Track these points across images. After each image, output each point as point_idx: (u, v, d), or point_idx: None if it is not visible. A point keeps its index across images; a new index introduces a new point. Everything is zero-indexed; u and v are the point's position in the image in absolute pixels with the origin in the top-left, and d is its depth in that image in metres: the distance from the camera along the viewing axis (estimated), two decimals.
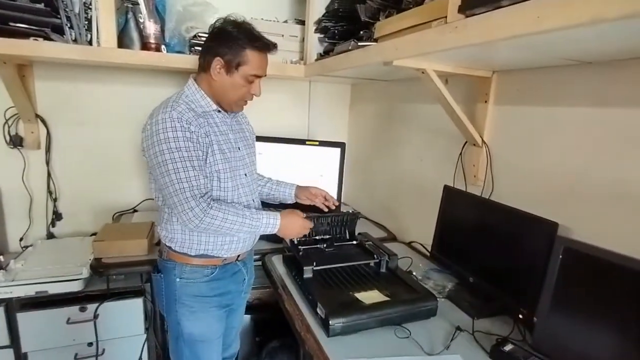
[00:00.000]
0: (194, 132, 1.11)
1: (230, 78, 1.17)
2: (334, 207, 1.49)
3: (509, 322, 1.16)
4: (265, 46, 1.18)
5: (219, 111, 1.23)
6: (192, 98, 1.19)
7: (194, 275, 1.22)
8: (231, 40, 1.14)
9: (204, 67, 1.19)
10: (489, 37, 0.78)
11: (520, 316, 1.11)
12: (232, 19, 1.19)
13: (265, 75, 1.24)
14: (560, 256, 0.96)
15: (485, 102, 1.38)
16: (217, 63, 1.16)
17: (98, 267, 1.52)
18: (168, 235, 1.22)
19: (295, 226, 1.27)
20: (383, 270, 1.38)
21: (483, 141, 1.39)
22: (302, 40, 1.92)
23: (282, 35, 1.89)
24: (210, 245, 1.21)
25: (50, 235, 1.96)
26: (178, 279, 1.21)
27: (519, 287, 1.14)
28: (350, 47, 1.38)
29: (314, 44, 1.82)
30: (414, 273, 1.45)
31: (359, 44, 1.32)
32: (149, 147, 1.11)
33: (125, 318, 1.63)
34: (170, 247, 1.23)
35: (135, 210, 2.08)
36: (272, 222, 1.20)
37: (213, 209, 1.10)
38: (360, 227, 1.79)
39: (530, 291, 1.09)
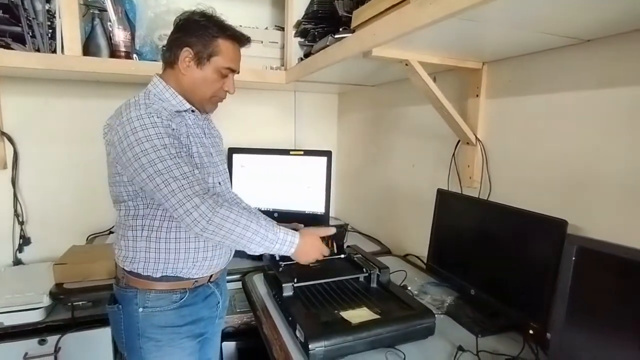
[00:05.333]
0: (175, 129, 0.99)
1: (201, 71, 1.06)
2: None
3: (518, 340, 1.01)
4: (239, 36, 1.10)
5: (193, 111, 1.11)
6: (161, 97, 1.06)
7: (159, 303, 1.05)
8: (201, 30, 1.04)
9: (171, 61, 1.08)
10: (472, 1, 0.67)
11: (531, 332, 0.96)
12: (200, 10, 1.08)
13: (239, 72, 1.14)
14: (574, 258, 0.82)
15: (477, 96, 1.27)
16: (186, 54, 1.04)
17: (59, 294, 1.38)
18: (128, 255, 1.05)
19: (314, 250, 1.10)
20: (374, 285, 1.24)
21: (477, 138, 1.28)
22: (283, 47, 1.85)
23: (262, 42, 1.82)
24: (180, 263, 1.05)
25: (18, 262, 1.81)
26: (141, 309, 1.04)
27: (527, 298, 1.00)
28: (327, 43, 1.28)
29: (295, 49, 1.74)
30: (409, 288, 1.30)
31: (336, 36, 1.23)
32: (124, 149, 0.94)
33: (92, 350, 1.45)
34: (130, 272, 1.06)
35: (112, 232, 1.94)
36: (290, 240, 1.03)
37: (223, 207, 0.93)
38: (352, 241, 1.66)
39: (540, 302, 0.95)
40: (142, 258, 1.05)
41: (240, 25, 1.77)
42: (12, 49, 1.40)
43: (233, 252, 1.22)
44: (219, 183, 1.15)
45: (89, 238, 1.90)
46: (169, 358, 1.08)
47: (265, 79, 1.76)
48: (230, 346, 1.67)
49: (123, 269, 1.08)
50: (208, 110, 1.16)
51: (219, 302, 1.20)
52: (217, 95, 1.12)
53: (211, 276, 1.15)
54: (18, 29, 1.41)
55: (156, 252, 1.04)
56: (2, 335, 1.36)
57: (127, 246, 1.06)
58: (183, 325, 1.09)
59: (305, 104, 2.32)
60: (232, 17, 1.81)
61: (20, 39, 1.42)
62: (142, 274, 1.05)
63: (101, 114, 1.92)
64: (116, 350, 1.49)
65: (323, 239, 1.16)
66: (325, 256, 1.14)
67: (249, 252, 1.02)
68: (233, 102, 2.11)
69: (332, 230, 1.20)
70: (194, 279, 1.10)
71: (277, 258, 1.34)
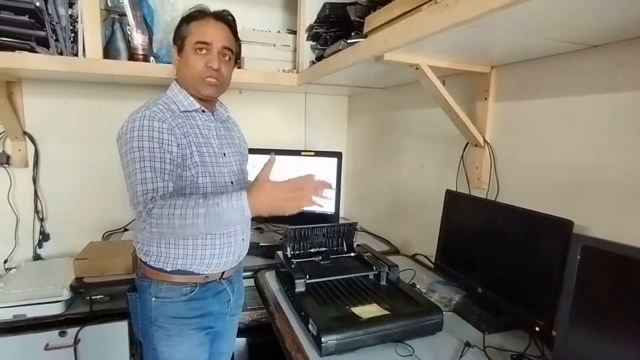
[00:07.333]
0: (166, 130, 1.03)
1: (183, 58, 1.13)
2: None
3: (524, 337, 1.04)
4: (204, 12, 1.13)
5: (204, 111, 1.17)
6: (174, 99, 1.14)
7: (170, 294, 1.10)
8: (178, 25, 1.16)
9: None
10: (480, 10, 0.71)
11: (537, 329, 0.98)
12: None
13: (232, 50, 1.16)
14: (579, 257, 0.85)
15: (486, 99, 1.30)
16: (172, 52, 1.17)
17: (79, 287, 1.44)
18: (143, 248, 1.12)
19: (269, 196, 0.95)
20: (383, 282, 1.27)
21: (485, 141, 1.31)
22: (295, 50, 1.89)
23: (274, 45, 1.86)
24: (188, 259, 1.10)
25: (37, 257, 1.88)
26: (154, 299, 1.10)
27: (533, 296, 1.02)
28: (340, 47, 1.32)
29: (306, 52, 1.77)
30: (418, 286, 1.33)
31: (348, 41, 1.26)
32: (119, 148, 1.05)
33: (109, 343, 1.51)
34: (145, 263, 1.12)
35: (126, 229, 2.00)
36: (237, 204, 0.93)
37: (155, 207, 0.94)
38: (361, 241, 1.69)
39: (546, 300, 0.97)
40: (155, 252, 1.10)
41: (254, 29, 1.84)
42: (36, 52, 1.46)
43: (245, 252, 1.26)
44: (231, 182, 1.19)
45: (105, 235, 1.96)
46: (178, 347, 1.13)
47: (277, 81, 1.80)
48: (241, 342, 1.72)
49: (140, 259, 1.15)
50: (206, 94, 1.14)
51: (230, 299, 1.23)
52: (203, 76, 1.11)
53: (223, 273, 1.19)
54: (42, 33, 1.47)
55: (166, 248, 1.09)
56: (24, 327, 1.42)
57: (143, 240, 1.13)
58: (192, 317, 1.13)
59: (316, 106, 2.36)
60: (245, 20, 1.88)
61: (44, 43, 1.48)
62: (155, 266, 1.11)
63: (118, 115, 1.98)
64: (132, 343, 1.55)
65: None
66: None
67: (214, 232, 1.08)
68: (245, 103, 2.18)
69: (271, 160, 1.03)
70: (205, 274, 1.14)
71: (289, 255, 1.37)
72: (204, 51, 1.11)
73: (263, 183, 0.96)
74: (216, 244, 1.12)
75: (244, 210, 0.93)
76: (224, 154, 1.19)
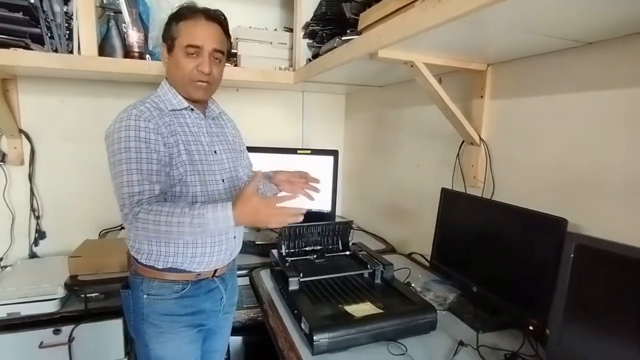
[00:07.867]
0: (152, 129, 1.02)
1: (173, 58, 1.11)
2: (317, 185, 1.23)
3: (518, 336, 1.03)
4: (192, 12, 1.08)
5: (192, 109, 1.15)
6: (163, 98, 1.13)
7: (162, 292, 1.10)
8: (167, 22, 1.12)
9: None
10: (472, 5, 0.70)
11: (531, 328, 0.98)
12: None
13: (222, 51, 1.12)
14: (572, 255, 0.84)
15: (481, 97, 1.29)
16: (163, 50, 1.14)
17: (73, 285, 1.43)
18: (134, 246, 1.12)
19: (253, 210, 0.95)
20: (378, 281, 1.26)
21: (481, 139, 1.30)
22: (291, 48, 1.88)
23: (271, 43, 1.85)
24: (179, 257, 1.09)
25: (33, 255, 1.87)
26: (145, 296, 1.10)
27: (528, 295, 1.02)
28: (335, 45, 1.31)
29: (303, 50, 1.77)
30: (413, 285, 1.33)
31: (343, 38, 1.26)
32: (107, 148, 1.04)
33: (104, 341, 1.50)
34: (137, 260, 1.12)
35: (123, 227, 1.99)
36: (222, 215, 0.94)
37: (142, 212, 0.95)
38: (357, 239, 1.69)
39: (540, 299, 0.97)
40: (146, 250, 1.10)
41: (251, 27, 1.84)
42: (31, 49, 1.45)
43: (237, 250, 1.25)
44: (222, 180, 1.17)
45: (101, 233, 1.96)
46: (169, 344, 1.12)
47: (274, 79, 1.80)
48: (237, 340, 1.71)
49: (132, 256, 1.15)
50: (197, 96, 1.13)
51: (222, 297, 1.22)
52: (194, 79, 1.10)
53: (215, 271, 1.18)
54: (37, 30, 1.46)
55: (157, 246, 1.09)
56: (18, 325, 1.41)
57: (134, 237, 1.12)
58: (183, 315, 1.13)
59: (313, 104, 2.36)
60: (242, 18, 1.88)
61: (39, 40, 1.47)
62: (146, 264, 1.11)
63: (114, 113, 1.97)
64: (127, 341, 1.54)
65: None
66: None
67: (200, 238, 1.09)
68: (242, 102, 2.17)
69: (257, 175, 1.01)
70: (196, 272, 1.13)
71: (284, 253, 1.37)
72: (195, 55, 1.08)
73: (249, 197, 0.96)
74: (207, 242, 1.11)
75: (229, 221, 0.95)
76: (215, 152, 1.18)
